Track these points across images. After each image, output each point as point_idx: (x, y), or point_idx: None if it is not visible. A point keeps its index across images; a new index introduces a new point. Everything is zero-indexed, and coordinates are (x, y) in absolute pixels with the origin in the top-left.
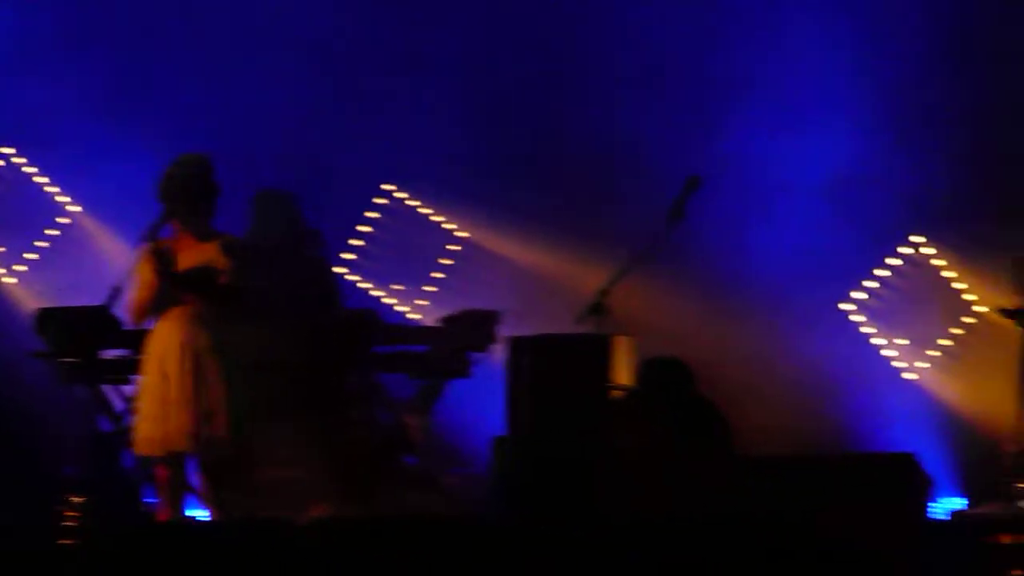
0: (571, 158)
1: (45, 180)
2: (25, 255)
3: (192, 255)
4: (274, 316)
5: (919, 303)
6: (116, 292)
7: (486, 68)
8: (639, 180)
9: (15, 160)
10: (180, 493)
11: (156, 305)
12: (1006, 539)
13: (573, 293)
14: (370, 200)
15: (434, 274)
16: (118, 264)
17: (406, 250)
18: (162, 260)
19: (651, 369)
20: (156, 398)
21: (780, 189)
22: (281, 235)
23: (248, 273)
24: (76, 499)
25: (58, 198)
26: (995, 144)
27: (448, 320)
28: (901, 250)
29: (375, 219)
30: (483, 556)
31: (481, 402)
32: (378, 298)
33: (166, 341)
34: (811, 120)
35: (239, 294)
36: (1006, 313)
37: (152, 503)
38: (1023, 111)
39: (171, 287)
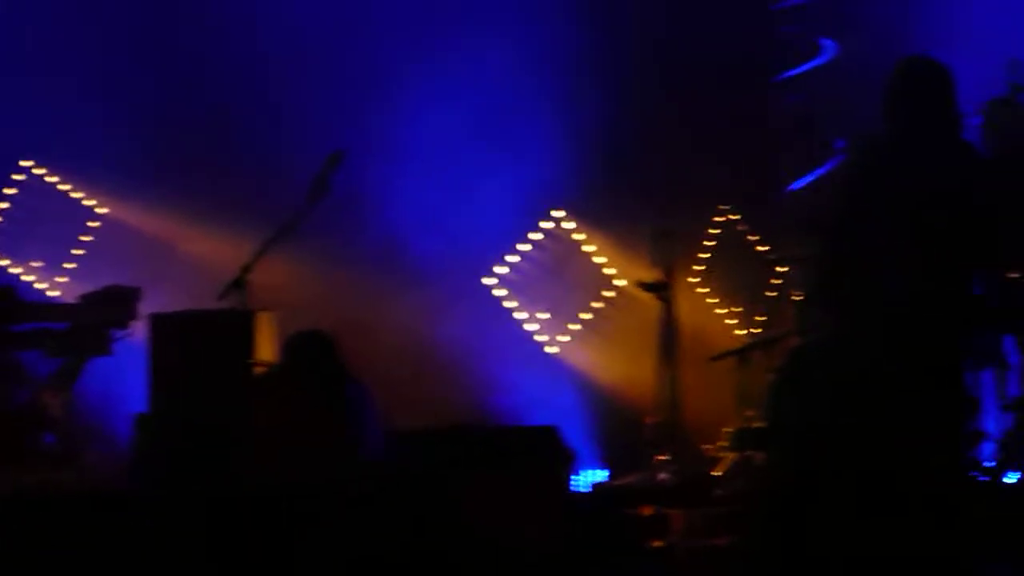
0: (213, 134)
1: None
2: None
3: None
4: None
5: (560, 277)
6: None
7: (125, 46)
8: (282, 155)
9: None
10: None
11: None
12: (646, 510)
13: (216, 269)
14: (7, 176)
15: (74, 251)
16: None
17: (45, 226)
18: None
19: (294, 343)
20: None
21: (422, 164)
22: None
23: None
24: None
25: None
26: (634, 123)
27: (88, 297)
28: (542, 224)
29: (12, 195)
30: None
31: (123, 379)
32: (17, 275)
33: None
34: (455, 95)
35: None
36: (645, 286)
37: None
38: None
39: None
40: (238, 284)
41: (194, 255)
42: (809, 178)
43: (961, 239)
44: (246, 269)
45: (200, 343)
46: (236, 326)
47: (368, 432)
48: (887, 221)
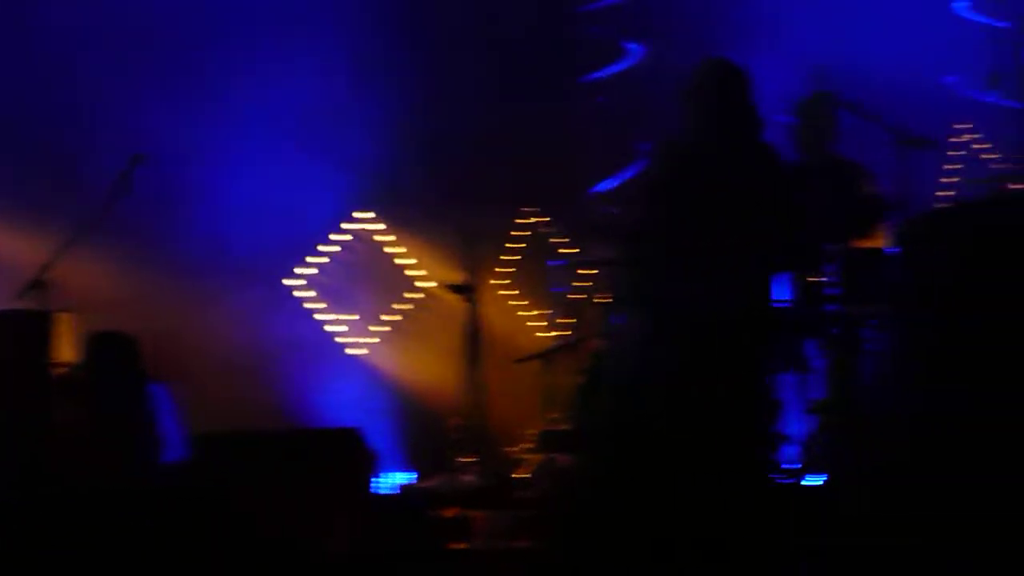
0: (14, 132)
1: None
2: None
3: None
4: None
5: (365, 278)
6: None
7: None
8: (89, 157)
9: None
10: None
11: None
12: (450, 512)
13: (14, 269)
14: None
15: None
16: None
17: None
18: None
19: (93, 343)
20: None
21: (226, 163)
22: None
23: None
24: None
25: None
26: (442, 124)
27: None
28: (347, 226)
29: None
30: None
31: None
32: None
33: None
34: (268, 97)
35: None
36: (451, 288)
37: None
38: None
39: None
40: (38, 284)
41: None
42: (614, 181)
43: (762, 242)
44: (45, 268)
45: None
46: (35, 326)
47: (167, 435)
48: (690, 224)
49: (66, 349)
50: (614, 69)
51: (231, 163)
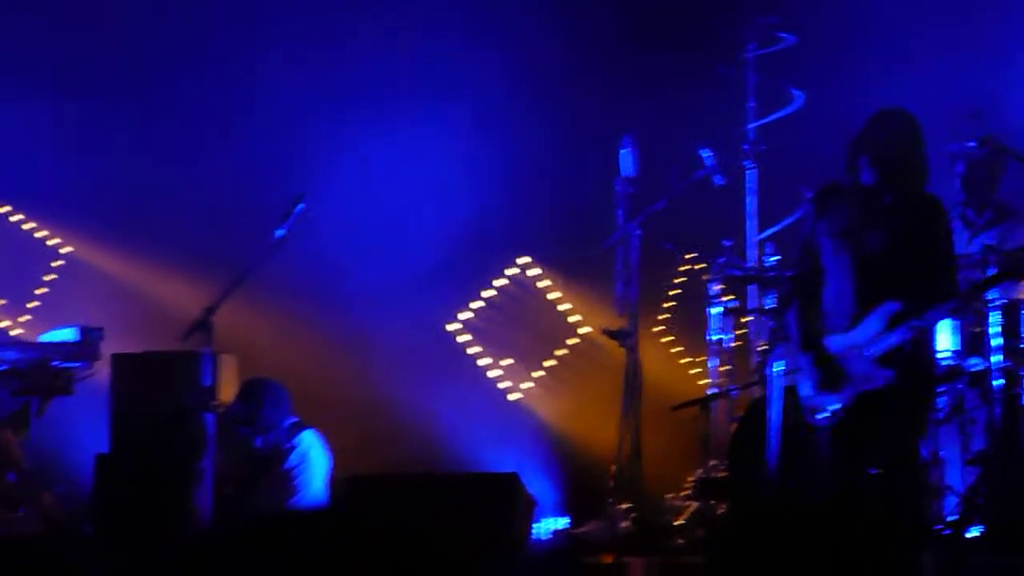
0: (178, 176)
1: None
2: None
3: None
4: None
5: (524, 324)
6: None
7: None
8: (250, 197)
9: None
10: None
11: None
12: (607, 558)
13: (178, 311)
14: None
15: (37, 290)
16: None
17: (9, 265)
18: None
19: (246, 389)
20: None
21: (382, 211)
22: None
23: None
24: None
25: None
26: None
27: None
28: (507, 271)
29: None
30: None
31: (84, 419)
32: None
33: None
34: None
35: None
36: (609, 334)
37: None
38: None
39: None
40: (202, 325)
41: (157, 296)
42: (776, 228)
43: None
44: (210, 311)
45: (162, 383)
46: (198, 367)
47: (310, 482)
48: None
49: (227, 390)
50: (777, 115)
51: (381, 207)
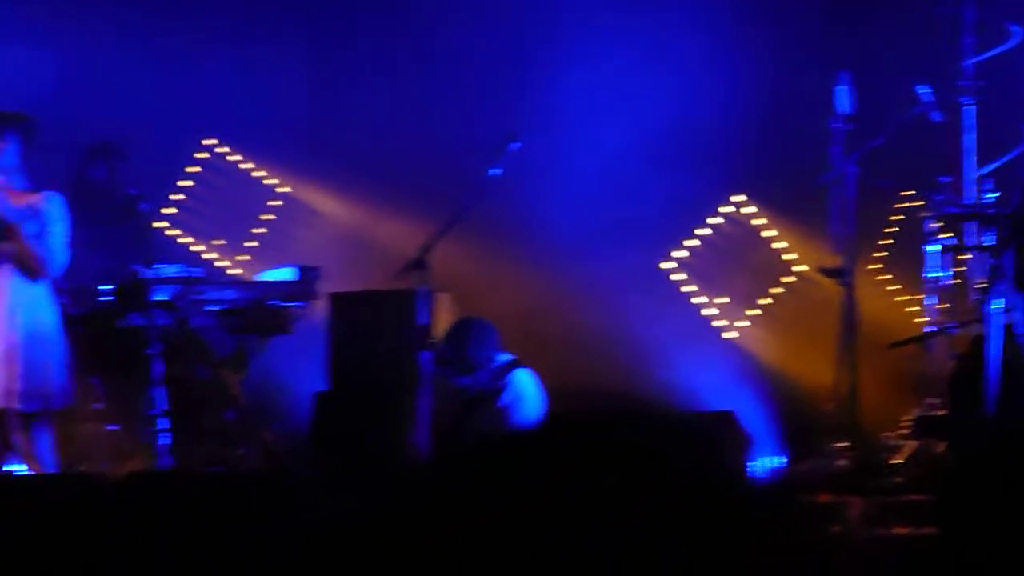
0: (391, 114)
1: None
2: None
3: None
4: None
5: (739, 262)
6: None
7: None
8: (457, 136)
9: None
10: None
11: None
12: (824, 497)
13: (394, 249)
14: (191, 155)
15: (255, 229)
16: None
17: (227, 205)
18: None
19: (453, 328)
20: None
21: (598, 148)
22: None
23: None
24: None
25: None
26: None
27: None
28: (722, 209)
29: (196, 173)
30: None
31: (303, 358)
32: (199, 253)
33: None
34: (624, 82)
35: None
36: (826, 272)
37: None
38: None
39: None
40: (418, 264)
41: (373, 236)
42: (995, 164)
43: None
44: (426, 249)
45: (379, 321)
46: (415, 305)
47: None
48: None
49: (443, 328)
50: (996, 51)
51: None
